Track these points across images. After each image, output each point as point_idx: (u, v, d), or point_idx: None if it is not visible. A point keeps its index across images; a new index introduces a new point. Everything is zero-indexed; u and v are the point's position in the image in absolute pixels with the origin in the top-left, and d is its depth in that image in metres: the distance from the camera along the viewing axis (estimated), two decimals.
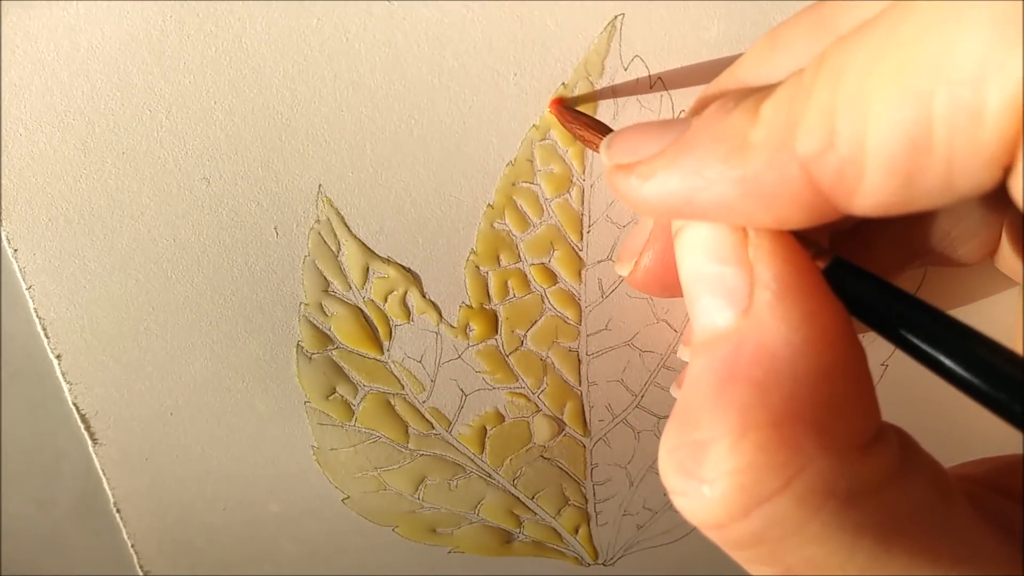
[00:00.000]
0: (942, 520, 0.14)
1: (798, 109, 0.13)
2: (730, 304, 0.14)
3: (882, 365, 0.25)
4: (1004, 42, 0.10)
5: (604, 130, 0.20)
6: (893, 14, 0.12)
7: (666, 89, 0.22)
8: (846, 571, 0.13)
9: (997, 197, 0.18)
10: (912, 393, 0.25)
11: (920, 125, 0.11)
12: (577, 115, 0.21)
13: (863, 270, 0.15)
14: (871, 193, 0.12)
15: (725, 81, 0.17)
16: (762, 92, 0.14)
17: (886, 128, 0.12)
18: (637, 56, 0.22)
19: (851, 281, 0.15)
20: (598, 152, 0.20)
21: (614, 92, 0.22)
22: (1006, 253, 0.19)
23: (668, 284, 0.20)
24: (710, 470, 0.13)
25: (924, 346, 0.14)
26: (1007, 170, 0.11)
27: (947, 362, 0.13)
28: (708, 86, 0.18)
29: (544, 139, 0.23)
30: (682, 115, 0.23)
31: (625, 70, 0.22)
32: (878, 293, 0.14)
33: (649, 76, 0.22)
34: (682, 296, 0.16)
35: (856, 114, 0.12)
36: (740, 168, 0.13)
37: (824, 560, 0.13)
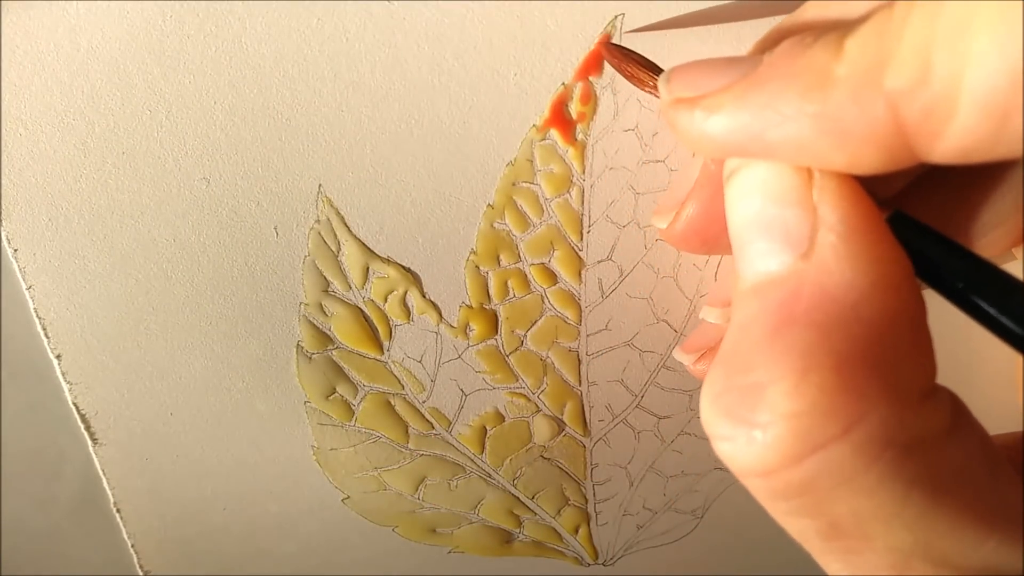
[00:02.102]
0: (989, 480, 0.13)
1: (889, 43, 0.12)
2: (788, 247, 0.14)
3: None
4: None
5: (656, 69, 0.19)
6: None
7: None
8: (891, 525, 0.13)
9: None
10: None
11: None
12: (628, 53, 0.20)
13: (926, 225, 0.14)
14: (958, 134, 0.12)
15: (789, 24, 0.17)
16: (843, 28, 0.13)
17: (989, 63, 0.11)
18: None
19: (913, 234, 0.14)
20: (648, 91, 0.19)
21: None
22: None
23: (710, 237, 0.19)
24: (764, 413, 0.13)
25: (990, 309, 0.13)
26: None
27: (1008, 323, 0.13)
28: (770, 30, 0.17)
29: (544, 139, 0.23)
30: None
31: None
32: (943, 249, 0.14)
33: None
34: (720, 253, 0.15)
35: (956, 48, 0.11)
36: (820, 103, 0.13)
37: (871, 513, 0.13)
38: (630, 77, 0.20)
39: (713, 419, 0.14)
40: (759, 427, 0.13)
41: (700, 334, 0.22)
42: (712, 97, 0.14)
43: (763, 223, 0.14)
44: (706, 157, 0.18)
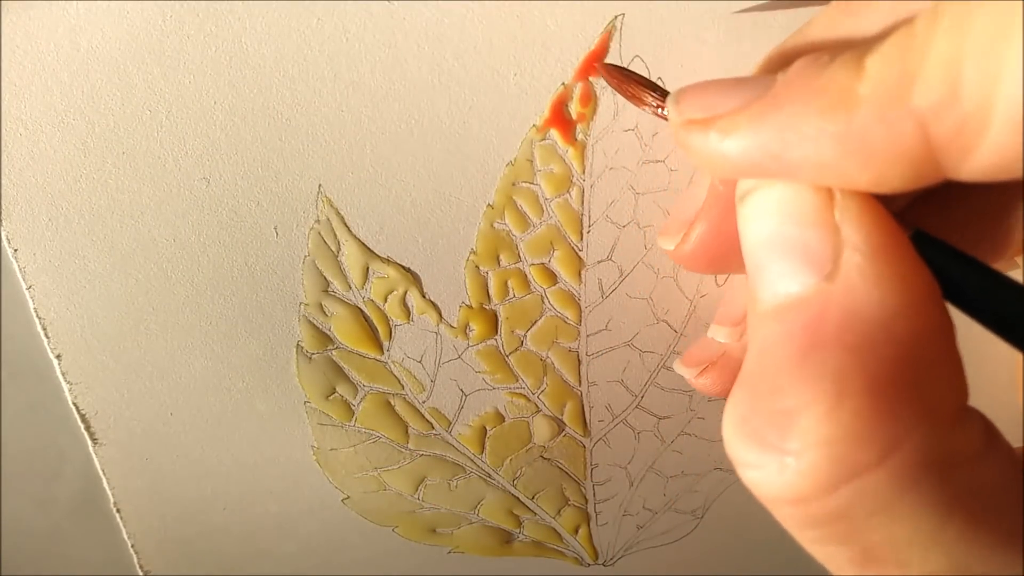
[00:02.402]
0: (1022, 502, 0.13)
1: (914, 61, 0.12)
2: (809, 269, 0.13)
3: None
4: None
5: (656, 88, 0.19)
6: None
7: (666, 89, 0.22)
8: (928, 551, 0.12)
9: None
10: None
11: None
12: (628, 74, 0.20)
13: (950, 245, 0.14)
14: (990, 151, 0.12)
15: (794, 43, 0.17)
16: (861, 47, 0.13)
17: (1019, 79, 0.11)
18: (637, 56, 0.22)
19: (937, 253, 0.14)
20: (649, 110, 0.19)
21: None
22: None
23: (719, 257, 0.19)
24: (796, 440, 0.12)
25: (1013, 321, 0.13)
26: None
27: None
28: (773, 50, 0.17)
29: (544, 139, 0.23)
30: None
31: None
32: (966, 267, 0.14)
33: (649, 76, 0.22)
34: (728, 272, 0.15)
35: (987, 64, 0.11)
36: (844, 123, 0.12)
37: (908, 539, 0.12)
38: (631, 97, 0.20)
39: (739, 445, 0.13)
40: (791, 454, 0.13)
41: (701, 348, 0.22)
42: (727, 118, 0.14)
43: (782, 244, 0.14)
44: (716, 178, 0.18)
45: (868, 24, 0.15)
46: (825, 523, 0.13)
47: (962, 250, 0.14)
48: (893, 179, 0.13)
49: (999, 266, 0.19)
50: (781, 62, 0.15)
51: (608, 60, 0.22)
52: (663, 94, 0.18)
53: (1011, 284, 0.14)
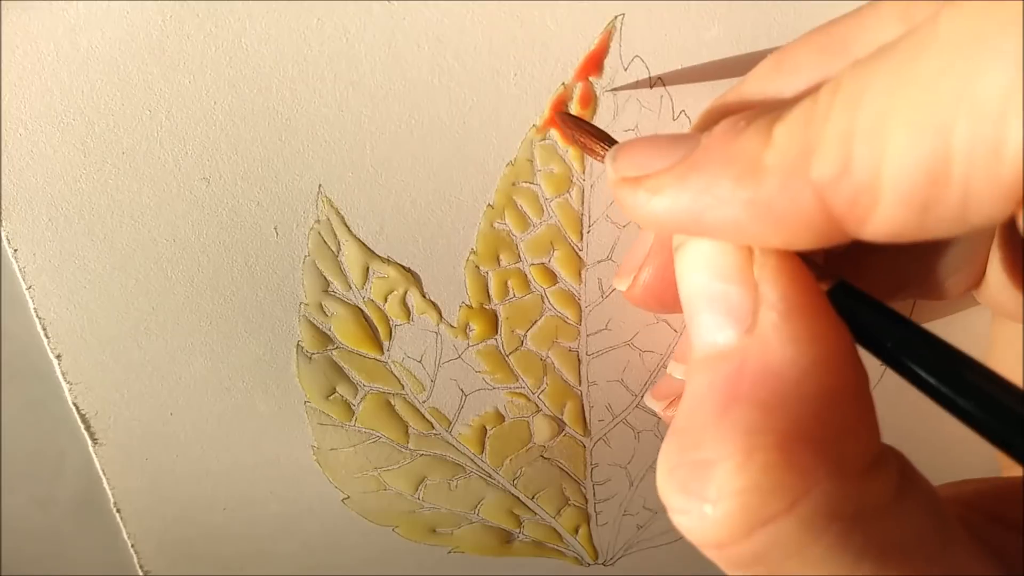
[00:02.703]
0: (939, 544, 0.14)
1: (814, 133, 0.13)
2: (732, 322, 0.14)
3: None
4: None
5: (605, 138, 0.20)
6: (915, 40, 0.12)
7: (666, 89, 0.22)
8: None
9: (986, 232, 0.18)
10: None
11: (939, 157, 0.11)
12: (578, 123, 0.21)
13: (866, 295, 0.15)
14: (884, 220, 0.12)
15: (732, 98, 0.17)
16: (774, 113, 0.13)
17: (904, 158, 0.11)
18: (637, 56, 0.22)
19: (854, 305, 0.15)
20: (599, 161, 0.20)
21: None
22: (990, 287, 0.19)
23: (667, 301, 0.20)
24: (713, 490, 0.13)
25: (925, 375, 0.14)
26: (1020, 203, 0.11)
27: (947, 391, 0.13)
28: (712, 102, 0.18)
29: (544, 139, 0.23)
30: (682, 117, 0.23)
31: (625, 70, 0.22)
32: (881, 318, 0.14)
33: (649, 76, 0.22)
34: (677, 312, 0.16)
35: (874, 142, 0.12)
36: (752, 190, 0.13)
37: None
38: (582, 147, 0.20)
39: (668, 492, 0.14)
40: (709, 502, 0.13)
41: (668, 382, 0.23)
42: (654, 178, 0.15)
43: (710, 296, 0.15)
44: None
45: (795, 81, 0.16)
46: (746, 565, 0.14)
47: (878, 300, 0.15)
48: (802, 241, 0.13)
49: (956, 302, 0.19)
50: (715, 118, 0.16)
51: (606, 62, 0.22)
52: (612, 144, 0.19)
53: (922, 333, 0.14)
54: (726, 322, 0.14)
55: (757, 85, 0.17)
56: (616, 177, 0.16)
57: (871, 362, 0.14)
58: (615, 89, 0.22)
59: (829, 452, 0.13)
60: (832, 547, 0.13)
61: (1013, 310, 0.18)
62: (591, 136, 0.20)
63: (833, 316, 0.14)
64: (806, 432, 0.13)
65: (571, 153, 0.23)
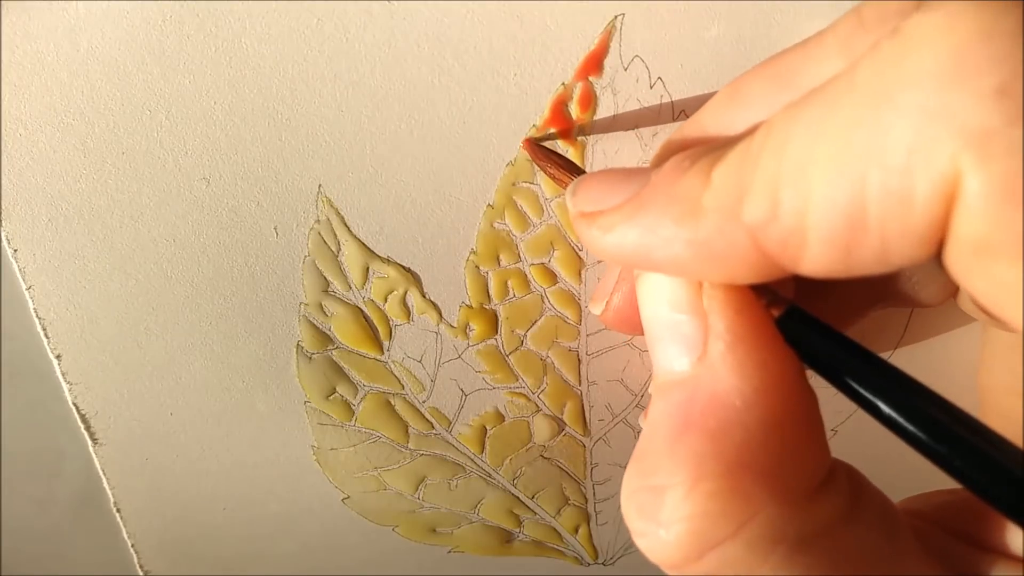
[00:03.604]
0: (889, 560, 0.14)
1: (746, 177, 0.13)
2: (686, 351, 0.15)
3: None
4: (932, 133, 0.11)
5: (575, 169, 0.20)
6: (834, 89, 0.12)
7: (666, 89, 0.22)
8: None
9: None
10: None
11: (855, 204, 0.12)
12: (548, 154, 0.21)
13: (816, 320, 0.15)
14: (813, 260, 0.13)
15: (689, 129, 0.18)
16: (716, 153, 0.14)
17: (824, 205, 0.12)
18: (637, 56, 0.22)
19: (803, 330, 0.15)
20: (563, 188, 0.20)
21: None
22: (963, 296, 0.19)
23: (637, 324, 0.20)
24: (666, 515, 0.14)
25: (872, 399, 0.14)
26: (939, 245, 0.12)
27: (889, 412, 0.14)
28: (673, 132, 0.19)
29: (544, 139, 0.23)
30: (682, 117, 0.23)
31: (625, 70, 0.22)
32: (828, 343, 0.15)
33: (649, 76, 0.22)
34: None
35: (798, 188, 0.12)
36: (692, 231, 0.14)
37: None
38: (551, 177, 0.21)
39: (629, 515, 0.15)
40: (663, 526, 0.14)
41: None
42: (606, 216, 0.15)
43: (666, 325, 0.15)
44: None
45: (747, 114, 0.16)
46: None
47: (828, 325, 0.15)
48: (743, 277, 0.14)
49: (938, 311, 0.19)
50: (672, 150, 0.17)
51: (606, 62, 0.22)
52: (579, 174, 0.20)
53: (868, 360, 0.14)
54: (681, 351, 0.15)
55: (712, 117, 0.17)
56: (574, 212, 0.16)
57: None
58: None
59: (772, 478, 0.14)
60: (780, 567, 0.14)
61: (983, 318, 0.18)
62: (560, 167, 0.21)
63: (779, 344, 0.15)
64: (750, 460, 0.14)
65: (571, 153, 0.23)
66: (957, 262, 0.12)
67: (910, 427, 0.13)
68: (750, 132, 0.14)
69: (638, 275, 0.16)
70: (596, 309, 0.21)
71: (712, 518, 0.14)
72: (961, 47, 0.11)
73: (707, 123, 0.17)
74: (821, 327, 0.15)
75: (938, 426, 0.13)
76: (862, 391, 0.14)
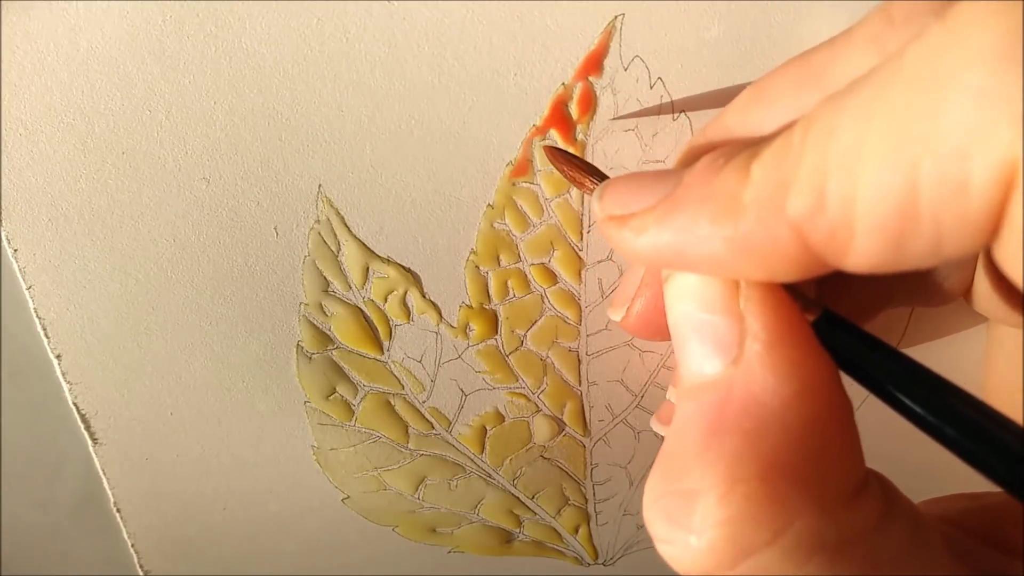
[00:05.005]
0: (923, 565, 0.14)
1: (788, 170, 0.13)
2: (719, 353, 0.15)
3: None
4: (989, 116, 0.11)
5: (595, 172, 0.20)
6: (882, 77, 0.12)
7: (666, 89, 0.22)
8: None
9: None
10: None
11: (908, 193, 0.11)
12: (569, 158, 0.21)
13: (851, 324, 0.15)
14: (861, 253, 0.12)
15: (712, 130, 0.17)
16: (751, 150, 0.14)
17: (875, 194, 0.12)
18: (637, 56, 0.22)
19: (839, 334, 0.15)
20: (589, 195, 0.20)
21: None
22: (978, 294, 0.19)
23: (660, 329, 0.20)
24: (698, 521, 0.14)
25: (908, 402, 0.14)
26: (993, 234, 0.11)
27: (928, 416, 0.14)
28: (695, 135, 0.18)
29: (544, 139, 0.23)
30: (682, 117, 0.23)
31: (625, 70, 0.22)
32: (864, 347, 0.15)
33: (649, 76, 0.22)
34: (670, 340, 0.16)
35: (846, 178, 0.12)
36: (731, 228, 0.13)
37: None
38: (572, 180, 0.21)
39: (654, 521, 0.15)
40: (694, 533, 0.14)
41: (670, 407, 0.23)
42: (638, 218, 0.15)
43: (697, 327, 0.15)
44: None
45: (774, 113, 0.16)
46: None
47: (863, 329, 0.15)
48: (784, 274, 0.14)
49: (948, 304, 0.20)
50: (697, 152, 0.16)
51: (606, 62, 0.22)
52: (602, 178, 0.20)
53: (906, 361, 0.14)
54: (713, 352, 0.15)
55: (737, 117, 0.17)
56: (603, 216, 0.16)
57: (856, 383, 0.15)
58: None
59: (811, 483, 0.13)
60: (816, 575, 0.13)
61: (1001, 315, 0.18)
62: (581, 170, 0.20)
63: (816, 346, 0.14)
64: (788, 463, 0.13)
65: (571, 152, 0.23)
66: (1012, 253, 0.11)
67: (953, 433, 0.13)
68: (785, 128, 0.13)
69: (667, 277, 0.16)
70: (616, 315, 0.21)
71: (749, 523, 0.13)
72: (1016, 27, 0.10)
73: (732, 124, 0.17)
74: (858, 332, 0.15)
75: (982, 432, 0.13)
76: (902, 397, 0.14)
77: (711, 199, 0.14)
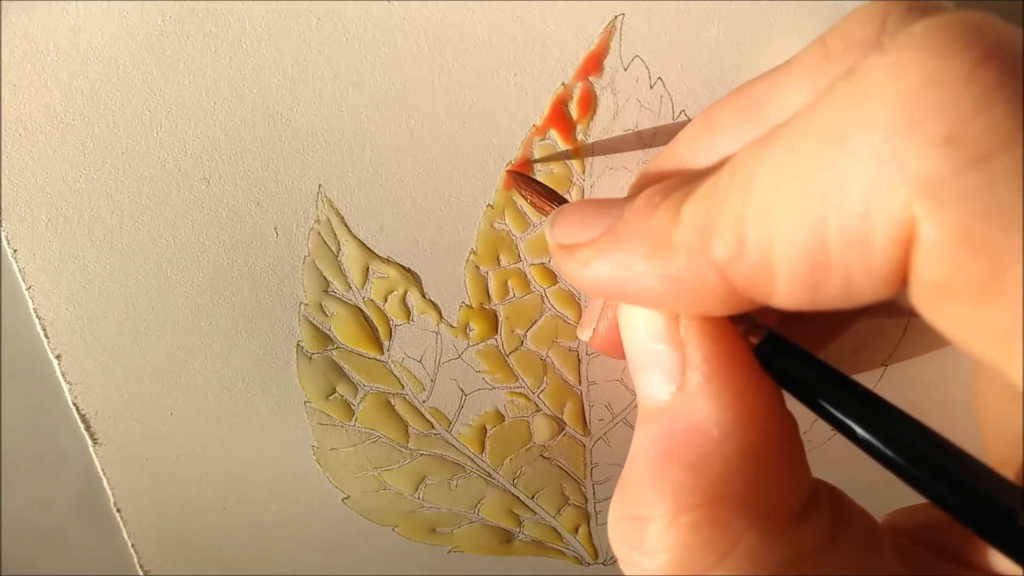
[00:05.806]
0: None
1: (713, 215, 0.13)
2: (666, 380, 0.15)
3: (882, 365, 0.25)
4: (887, 179, 0.11)
5: (556, 198, 0.21)
6: (795, 129, 0.12)
7: (666, 89, 0.22)
8: None
9: None
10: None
11: (817, 245, 0.12)
12: (531, 183, 0.21)
13: (793, 346, 0.15)
14: (783, 295, 0.13)
15: (665, 159, 0.18)
16: (685, 188, 0.14)
17: (787, 245, 0.12)
18: (637, 56, 0.22)
19: (782, 358, 0.15)
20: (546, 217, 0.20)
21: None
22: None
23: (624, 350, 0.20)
24: (649, 545, 0.14)
25: (851, 424, 0.14)
26: (902, 284, 0.12)
27: (864, 435, 0.14)
28: (649, 162, 0.19)
29: (544, 139, 0.23)
30: (681, 116, 0.23)
31: (625, 70, 0.22)
32: (803, 368, 0.15)
33: (649, 76, 0.22)
34: None
35: (762, 227, 0.12)
36: (662, 267, 0.14)
37: None
38: (532, 205, 0.21)
39: (614, 541, 0.15)
40: (647, 555, 0.14)
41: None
42: (584, 249, 0.15)
43: (646, 354, 0.16)
44: None
45: (719, 144, 0.16)
46: None
47: (805, 351, 0.15)
48: (717, 310, 0.14)
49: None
50: (648, 181, 0.17)
51: (606, 62, 0.22)
52: (561, 203, 0.20)
53: (846, 385, 0.15)
54: (661, 379, 0.15)
55: (686, 146, 0.17)
56: (552, 244, 0.16)
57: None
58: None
59: (753, 507, 0.14)
60: None
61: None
62: (542, 196, 0.21)
63: (757, 372, 0.15)
64: (729, 490, 0.14)
65: (571, 153, 0.23)
66: (921, 301, 0.12)
67: (885, 450, 0.14)
68: (719, 166, 0.14)
69: (619, 305, 0.16)
70: (584, 335, 0.21)
71: (694, 549, 0.14)
72: (910, 94, 0.11)
73: (682, 152, 0.17)
74: (798, 353, 0.15)
75: (912, 449, 0.13)
76: (837, 414, 0.14)
77: (646, 237, 0.14)
